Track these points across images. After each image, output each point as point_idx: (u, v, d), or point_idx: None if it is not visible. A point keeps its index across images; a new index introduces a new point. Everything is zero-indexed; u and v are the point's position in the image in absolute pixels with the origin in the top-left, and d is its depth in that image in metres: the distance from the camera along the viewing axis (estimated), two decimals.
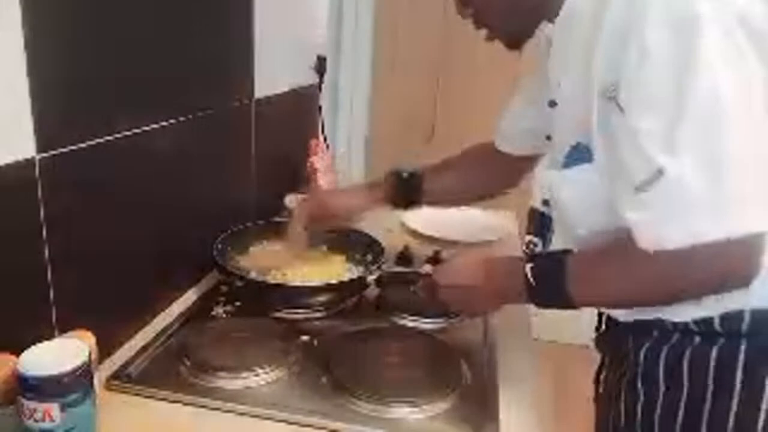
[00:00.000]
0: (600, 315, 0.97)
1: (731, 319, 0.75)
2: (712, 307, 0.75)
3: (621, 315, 0.86)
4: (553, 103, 0.85)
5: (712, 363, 0.76)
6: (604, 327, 0.96)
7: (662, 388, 0.79)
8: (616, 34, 0.70)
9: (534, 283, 0.80)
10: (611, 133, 0.73)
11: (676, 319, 0.78)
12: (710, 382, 0.76)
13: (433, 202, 1.25)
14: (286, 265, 1.21)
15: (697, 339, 0.77)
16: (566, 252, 0.82)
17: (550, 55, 0.86)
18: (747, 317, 0.75)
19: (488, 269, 0.90)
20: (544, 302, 0.82)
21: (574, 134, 0.79)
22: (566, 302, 0.79)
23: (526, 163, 1.14)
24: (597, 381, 0.99)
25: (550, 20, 0.85)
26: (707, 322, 0.76)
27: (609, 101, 0.72)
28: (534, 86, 1.02)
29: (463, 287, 0.92)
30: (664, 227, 0.68)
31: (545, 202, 0.91)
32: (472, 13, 0.89)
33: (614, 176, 0.74)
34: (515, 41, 0.91)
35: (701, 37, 0.65)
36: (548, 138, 0.91)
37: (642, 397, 0.81)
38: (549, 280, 0.80)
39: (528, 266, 0.81)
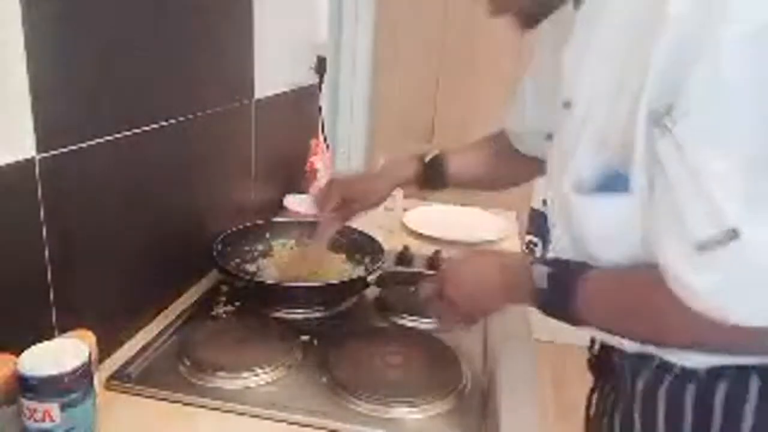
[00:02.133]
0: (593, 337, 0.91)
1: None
2: (725, 358, 0.68)
3: (622, 345, 0.78)
4: (567, 105, 0.73)
5: (719, 399, 0.68)
6: (598, 348, 0.90)
7: (661, 425, 0.72)
8: (677, 45, 0.56)
9: (543, 289, 0.74)
10: (658, 164, 0.60)
11: (687, 364, 0.70)
12: (717, 418, 0.68)
13: (459, 186, 1.16)
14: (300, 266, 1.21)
15: (702, 372, 0.69)
16: (584, 267, 0.72)
17: (568, 44, 0.73)
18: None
19: (502, 266, 0.83)
20: (549, 312, 0.75)
21: (598, 151, 0.68)
22: (571, 320, 0.73)
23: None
24: (589, 401, 0.93)
25: (573, 4, 0.73)
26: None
27: (657, 126, 0.59)
28: (539, 76, 0.93)
29: (473, 282, 0.85)
30: (732, 299, 0.57)
31: (545, 203, 0.88)
32: None
33: (661, 218, 0.62)
34: (529, 18, 0.78)
35: None
36: (549, 137, 0.82)
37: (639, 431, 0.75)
38: (559, 292, 0.73)
39: (544, 270, 0.74)
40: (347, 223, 1.20)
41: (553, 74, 0.78)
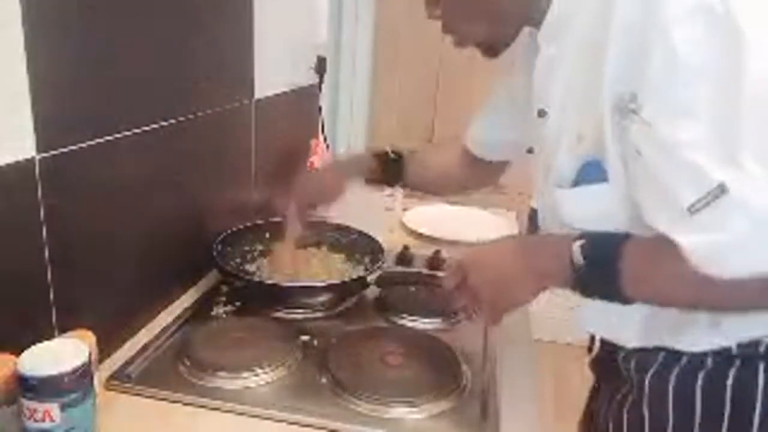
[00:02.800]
0: (593, 336, 0.91)
1: (748, 344, 0.69)
2: (730, 337, 0.69)
3: (627, 341, 0.78)
4: (542, 113, 0.77)
5: (729, 389, 0.69)
6: (598, 348, 0.89)
7: (671, 419, 0.73)
8: (628, 39, 0.63)
9: (582, 266, 0.68)
10: (632, 151, 0.64)
11: (693, 349, 0.71)
12: (727, 409, 0.70)
13: (416, 187, 1.23)
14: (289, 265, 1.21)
15: (710, 362, 0.71)
16: (625, 236, 0.68)
17: (537, 61, 0.77)
18: (766, 341, 0.69)
19: (527, 249, 0.78)
20: (591, 291, 0.70)
21: (575, 150, 0.72)
22: (618, 295, 0.67)
23: (505, 164, 1.11)
24: (589, 405, 0.94)
25: (535, 25, 0.77)
26: (723, 347, 0.70)
27: (626, 114, 0.63)
28: (514, 91, 0.93)
29: (497, 269, 0.79)
30: (733, 253, 0.58)
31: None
32: (440, 14, 0.80)
33: (648, 198, 0.64)
34: (490, 48, 0.82)
35: (739, 22, 0.56)
36: (529, 151, 0.84)
37: (648, 428, 0.75)
38: (599, 266, 0.67)
39: (576, 244, 0.69)
40: (310, 221, 1.23)
41: (527, 92, 0.81)
